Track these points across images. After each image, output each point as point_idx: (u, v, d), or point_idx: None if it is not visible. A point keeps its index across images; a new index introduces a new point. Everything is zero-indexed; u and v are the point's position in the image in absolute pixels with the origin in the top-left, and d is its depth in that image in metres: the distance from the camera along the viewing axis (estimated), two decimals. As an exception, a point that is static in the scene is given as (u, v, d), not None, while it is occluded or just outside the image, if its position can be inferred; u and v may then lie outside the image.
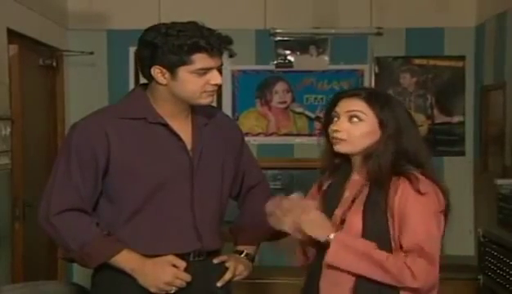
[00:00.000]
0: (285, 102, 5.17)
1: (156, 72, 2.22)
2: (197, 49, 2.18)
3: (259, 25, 5.07)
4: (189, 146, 2.32)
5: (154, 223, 2.27)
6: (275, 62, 5.12)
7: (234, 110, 5.15)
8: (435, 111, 5.10)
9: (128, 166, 2.25)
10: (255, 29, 5.08)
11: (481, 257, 3.76)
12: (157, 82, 2.26)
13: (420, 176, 2.07)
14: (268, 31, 5.06)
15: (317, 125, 5.13)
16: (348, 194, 2.18)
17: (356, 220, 2.10)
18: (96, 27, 5.03)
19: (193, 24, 2.23)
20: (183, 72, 2.21)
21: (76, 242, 2.24)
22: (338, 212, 2.16)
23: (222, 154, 2.41)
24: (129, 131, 2.26)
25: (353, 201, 2.13)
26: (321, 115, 5.09)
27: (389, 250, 2.05)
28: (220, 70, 2.28)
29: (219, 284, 2.39)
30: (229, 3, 5.06)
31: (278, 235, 2.55)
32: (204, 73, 2.22)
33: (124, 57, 5.07)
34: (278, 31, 5.06)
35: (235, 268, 2.43)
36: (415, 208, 2.04)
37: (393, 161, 2.10)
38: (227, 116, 2.68)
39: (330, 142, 2.19)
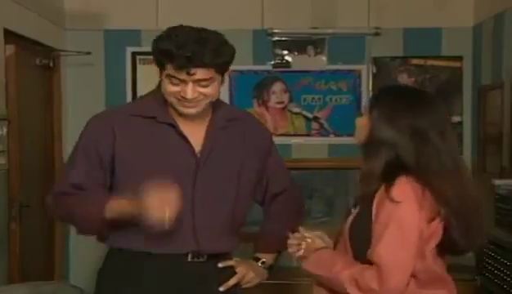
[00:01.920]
0: (282, 102, 5.16)
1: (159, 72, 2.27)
2: (168, 59, 2.18)
3: (257, 25, 5.06)
4: (198, 148, 2.30)
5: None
6: (272, 62, 5.11)
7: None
8: (433, 111, 5.09)
9: (131, 162, 2.25)
10: (253, 29, 5.08)
11: (478, 258, 3.75)
12: None
13: (402, 182, 1.98)
14: (266, 31, 5.05)
15: (315, 125, 5.13)
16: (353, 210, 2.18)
17: (346, 231, 2.10)
18: (93, 27, 5.02)
19: (189, 32, 2.19)
20: (163, 75, 2.23)
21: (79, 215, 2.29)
22: (345, 227, 2.15)
23: (241, 158, 2.38)
24: (137, 129, 2.28)
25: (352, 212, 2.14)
26: (319, 115, 5.10)
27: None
28: (207, 83, 2.23)
29: (221, 289, 2.35)
30: (226, 3, 5.06)
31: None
32: (178, 84, 2.20)
33: (121, 57, 5.06)
34: (275, 31, 5.05)
35: (244, 274, 2.40)
36: (380, 217, 1.99)
37: (384, 169, 2.03)
38: (256, 119, 2.65)
39: None
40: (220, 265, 2.37)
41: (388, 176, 2.01)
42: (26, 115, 4.28)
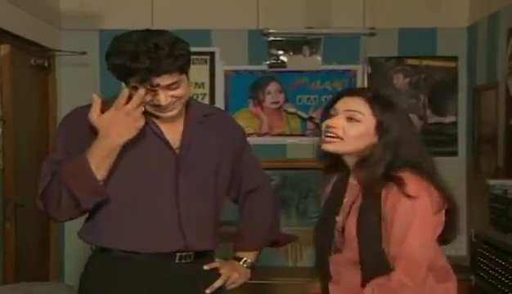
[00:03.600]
0: (277, 102, 5.16)
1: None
2: (126, 73, 2.14)
3: (252, 25, 5.06)
4: (177, 143, 2.29)
5: (138, 219, 2.24)
6: (267, 62, 5.11)
7: (226, 110, 5.13)
8: (428, 111, 5.10)
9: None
10: (248, 29, 5.07)
11: (473, 258, 3.76)
12: None
13: (411, 178, 2.01)
14: (261, 31, 5.05)
15: (310, 125, 5.13)
16: (347, 200, 2.14)
17: (352, 228, 2.06)
18: (88, 27, 5.01)
19: (136, 42, 2.11)
20: (128, 88, 2.17)
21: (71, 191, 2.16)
22: (339, 219, 2.13)
23: (218, 153, 2.38)
24: None
25: (351, 207, 2.09)
26: (314, 115, 5.10)
27: (381, 255, 2.01)
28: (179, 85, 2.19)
29: (208, 291, 2.36)
30: (221, 3, 5.05)
31: (278, 242, 2.54)
32: (147, 93, 2.15)
33: (117, 57, 5.05)
34: (271, 31, 5.05)
35: (229, 276, 2.41)
36: (401, 214, 1.99)
37: (387, 168, 2.04)
38: (230, 116, 2.65)
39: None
40: (206, 267, 2.36)
41: (390, 174, 2.02)
42: (21, 115, 4.27)
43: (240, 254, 2.50)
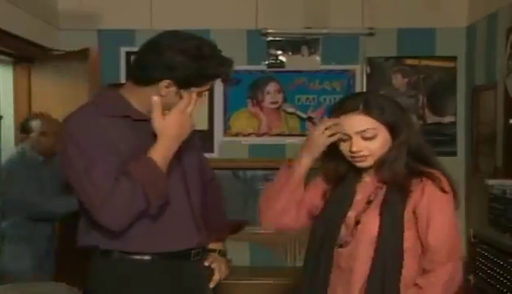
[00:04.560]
0: (276, 102, 5.16)
1: (163, 84, 2.16)
2: (216, 77, 2.23)
3: (251, 25, 5.06)
4: None
5: (154, 219, 2.21)
6: (266, 62, 5.11)
7: (225, 110, 5.14)
8: (427, 111, 5.10)
9: (125, 163, 2.17)
10: (247, 29, 5.07)
11: (472, 258, 3.76)
12: (145, 87, 2.20)
13: (441, 175, 2.15)
14: (260, 31, 5.05)
15: (309, 125, 5.13)
16: (360, 197, 2.22)
17: (372, 222, 2.15)
18: (86, 27, 5.01)
19: (214, 46, 2.22)
20: (190, 92, 2.18)
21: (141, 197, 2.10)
22: (351, 214, 2.20)
23: (196, 150, 2.42)
24: (120, 129, 2.20)
25: (369, 202, 2.18)
26: (313, 115, 5.10)
27: (400, 250, 2.12)
28: None
29: (212, 285, 2.39)
30: (220, 3, 5.05)
31: (237, 229, 2.58)
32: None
33: (115, 57, 5.05)
34: (270, 31, 5.05)
35: (219, 269, 2.44)
36: (441, 207, 2.13)
37: (407, 162, 2.17)
38: None
39: (338, 156, 2.25)
40: (206, 263, 2.40)
41: (418, 170, 2.16)
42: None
43: (213, 245, 2.50)
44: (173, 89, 2.16)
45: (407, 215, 2.14)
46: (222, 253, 2.51)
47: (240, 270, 4.85)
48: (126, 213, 2.09)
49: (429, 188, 2.13)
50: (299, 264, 5.03)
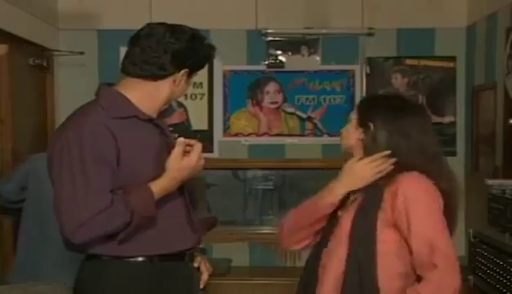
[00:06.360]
0: (276, 102, 5.16)
1: (181, 74, 2.28)
2: (212, 58, 2.40)
3: (251, 25, 5.06)
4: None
5: (155, 221, 2.21)
6: (266, 62, 5.11)
7: (225, 110, 5.14)
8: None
9: (131, 164, 2.20)
10: (246, 30, 5.08)
11: (471, 257, 3.76)
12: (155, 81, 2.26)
13: (417, 174, 2.13)
14: (259, 31, 5.05)
15: (309, 125, 5.13)
16: (352, 197, 2.25)
17: (347, 221, 2.16)
18: (86, 27, 5.01)
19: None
20: (194, 76, 2.35)
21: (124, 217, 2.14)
22: (339, 213, 2.23)
23: None
24: (126, 130, 2.21)
25: (353, 201, 2.21)
26: (313, 115, 5.10)
27: (373, 251, 2.09)
28: None
29: (202, 286, 2.40)
30: (220, 3, 5.05)
31: (211, 226, 2.58)
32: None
33: (115, 57, 5.03)
34: (269, 31, 5.05)
35: (208, 268, 2.45)
36: (419, 210, 2.09)
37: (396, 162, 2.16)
38: None
39: None
40: (196, 263, 2.40)
41: (391, 174, 2.14)
42: (19, 115, 4.27)
43: None
44: (185, 76, 2.29)
45: (385, 216, 2.11)
46: (203, 251, 2.53)
47: (240, 270, 4.86)
48: (101, 233, 2.14)
49: (403, 188, 2.10)
50: (299, 264, 5.04)
